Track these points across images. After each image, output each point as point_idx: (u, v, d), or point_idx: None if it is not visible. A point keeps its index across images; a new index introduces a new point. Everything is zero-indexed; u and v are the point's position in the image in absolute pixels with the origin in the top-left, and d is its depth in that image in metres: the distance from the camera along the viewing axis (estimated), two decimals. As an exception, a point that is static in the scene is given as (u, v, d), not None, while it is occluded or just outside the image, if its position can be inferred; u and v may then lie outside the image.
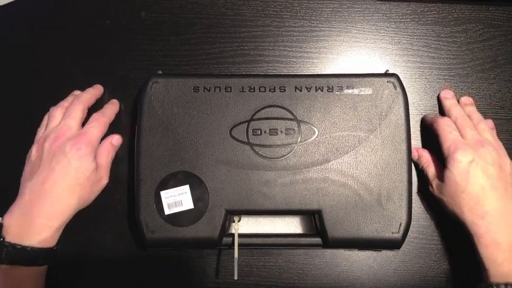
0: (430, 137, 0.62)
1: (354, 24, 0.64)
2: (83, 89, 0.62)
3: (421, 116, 0.62)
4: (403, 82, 0.57)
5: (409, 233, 0.55)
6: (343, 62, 0.64)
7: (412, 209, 0.56)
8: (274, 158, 0.55)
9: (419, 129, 0.62)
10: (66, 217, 0.52)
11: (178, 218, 0.54)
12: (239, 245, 0.55)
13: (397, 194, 0.55)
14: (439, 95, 0.62)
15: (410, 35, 0.64)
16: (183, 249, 0.60)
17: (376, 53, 0.64)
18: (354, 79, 0.57)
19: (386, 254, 0.60)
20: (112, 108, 0.60)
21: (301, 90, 0.57)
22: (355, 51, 0.64)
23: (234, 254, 0.54)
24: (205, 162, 0.55)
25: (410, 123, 0.57)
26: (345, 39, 0.64)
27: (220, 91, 0.57)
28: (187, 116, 0.56)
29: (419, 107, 0.63)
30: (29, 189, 0.52)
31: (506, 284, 0.49)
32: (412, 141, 0.58)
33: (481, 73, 0.63)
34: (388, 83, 0.57)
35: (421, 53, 0.64)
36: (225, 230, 0.55)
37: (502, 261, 0.50)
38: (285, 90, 0.57)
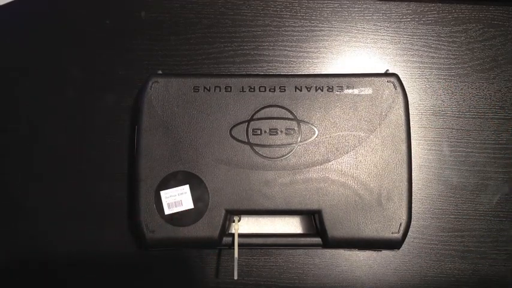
0: (430, 137, 0.62)
1: (354, 24, 0.64)
2: (82, 88, 0.62)
3: (421, 116, 0.62)
4: (403, 82, 0.57)
5: (409, 233, 0.55)
6: (343, 62, 0.64)
7: (412, 209, 0.56)
8: (274, 158, 0.55)
9: (419, 129, 0.62)
10: None
11: (178, 218, 0.54)
12: (239, 245, 0.55)
13: (397, 194, 0.55)
14: None
15: (410, 35, 0.64)
16: (183, 249, 0.60)
17: (376, 53, 0.64)
18: (354, 79, 0.57)
19: (386, 254, 0.60)
20: None
21: (301, 90, 0.57)
22: (355, 51, 0.64)
23: (234, 254, 0.54)
24: (205, 162, 0.55)
25: (410, 123, 0.57)
26: (345, 39, 0.64)
27: (220, 91, 0.57)
28: (187, 116, 0.56)
29: (419, 107, 0.63)
30: None
31: None
32: (412, 141, 0.58)
33: (481, 73, 0.63)
34: (388, 83, 0.57)
35: (421, 53, 0.64)
36: (225, 230, 0.55)
37: None
38: (285, 90, 0.57)
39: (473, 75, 0.63)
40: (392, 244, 0.55)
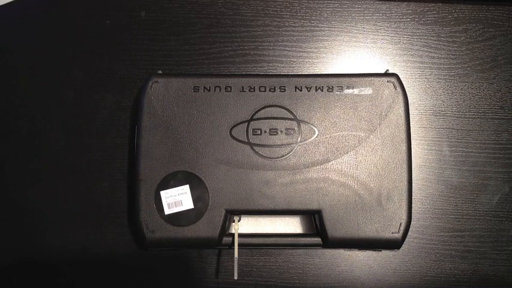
0: (430, 137, 0.62)
1: (354, 24, 0.64)
2: (82, 88, 0.62)
3: (421, 116, 0.62)
4: (403, 82, 0.57)
5: (409, 233, 0.55)
6: (343, 62, 0.64)
7: (412, 209, 0.56)
8: (274, 158, 0.55)
9: (419, 129, 0.62)
10: None
11: (178, 218, 0.54)
12: (239, 245, 0.55)
13: (397, 194, 0.55)
14: None
15: (410, 35, 0.64)
16: (183, 249, 0.60)
17: (376, 53, 0.64)
18: (354, 79, 0.57)
19: (386, 254, 0.60)
20: None
21: (301, 90, 0.57)
22: (355, 51, 0.64)
23: (234, 254, 0.54)
24: (205, 162, 0.55)
25: (410, 123, 0.57)
26: (345, 39, 0.64)
27: (220, 91, 0.57)
28: (187, 116, 0.56)
29: (419, 107, 0.63)
30: None
31: None
32: (412, 141, 0.58)
33: (481, 73, 0.63)
34: (388, 83, 0.57)
35: (421, 53, 0.64)
36: (225, 230, 0.55)
37: None
38: (285, 90, 0.57)
39: (473, 75, 0.63)
40: (392, 244, 0.55)
